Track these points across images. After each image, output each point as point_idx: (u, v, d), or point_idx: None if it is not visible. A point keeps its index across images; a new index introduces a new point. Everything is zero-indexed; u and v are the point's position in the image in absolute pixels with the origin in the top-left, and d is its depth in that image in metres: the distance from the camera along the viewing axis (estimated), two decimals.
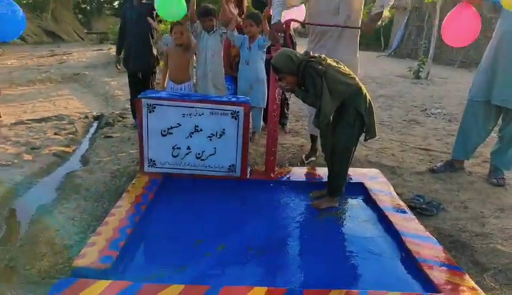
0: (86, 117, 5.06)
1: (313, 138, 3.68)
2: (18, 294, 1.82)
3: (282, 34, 2.88)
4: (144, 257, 2.18)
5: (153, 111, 2.85)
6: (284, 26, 2.81)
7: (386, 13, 3.03)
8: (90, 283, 1.71)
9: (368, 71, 9.47)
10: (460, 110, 5.83)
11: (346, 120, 2.48)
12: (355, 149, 2.61)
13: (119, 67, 4.45)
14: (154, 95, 2.90)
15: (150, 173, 2.95)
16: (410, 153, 3.96)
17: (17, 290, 1.85)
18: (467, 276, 1.92)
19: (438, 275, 1.90)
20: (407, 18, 14.07)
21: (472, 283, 1.86)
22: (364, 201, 2.86)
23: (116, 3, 21.10)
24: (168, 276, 1.90)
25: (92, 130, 4.70)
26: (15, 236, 2.33)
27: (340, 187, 2.66)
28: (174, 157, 2.95)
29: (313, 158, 3.64)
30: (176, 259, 2.07)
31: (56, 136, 4.14)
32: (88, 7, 21.51)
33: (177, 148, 2.93)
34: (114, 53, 4.65)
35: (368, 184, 2.98)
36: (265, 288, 1.74)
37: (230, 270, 2.00)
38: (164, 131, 2.89)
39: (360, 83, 2.51)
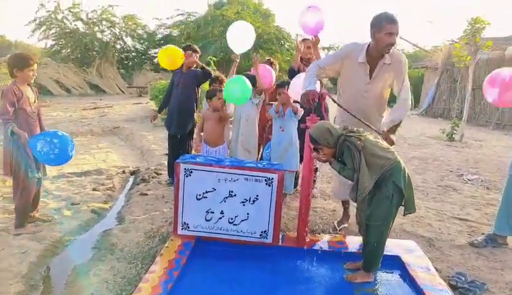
0: (123, 172, 5.26)
1: (345, 203, 3.64)
2: None
3: (316, 101, 2.96)
4: None
5: (190, 175, 2.94)
6: (320, 96, 2.90)
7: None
8: None
9: (399, 131, 9.40)
10: (498, 177, 5.64)
11: (384, 193, 2.45)
12: (392, 223, 2.55)
13: (153, 121, 4.76)
14: (191, 160, 3.01)
15: (183, 236, 2.98)
16: (447, 223, 3.81)
17: None
18: None
19: None
20: (438, 78, 14.16)
21: None
22: (400, 276, 2.74)
23: (155, 60, 22.48)
24: None
25: (128, 185, 4.86)
26: None
27: (376, 261, 2.58)
28: (207, 220, 2.99)
29: (345, 225, 3.57)
30: None
31: (95, 192, 4.30)
32: (130, 63, 23.01)
33: (211, 212, 2.97)
34: (154, 108, 4.99)
35: (405, 258, 2.87)
36: None
37: None
38: (199, 195, 2.96)
39: (398, 157, 2.51)
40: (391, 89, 3.20)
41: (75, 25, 20.90)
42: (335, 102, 3.12)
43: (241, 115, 3.85)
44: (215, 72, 4.80)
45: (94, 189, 4.38)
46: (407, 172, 2.52)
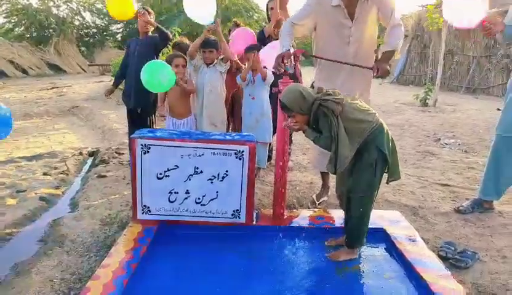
0: (80, 153, 4.78)
1: (324, 174, 3.36)
2: None
3: (290, 64, 2.59)
4: None
5: (148, 152, 2.55)
6: (294, 56, 2.55)
7: (397, 55, 2.77)
8: None
9: (372, 99, 9.23)
10: (474, 140, 5.54)
11: (366, 160, 2.17)
12: (377, 193, 2.28)
13: (108, 96, 4.18)
14: (149, 134, 2.62)
15: (144, 221, 2.62)
16: (430, 190, 3.62)
17: None
18: None
19: None
20: (408, 45, 14.04)
21: None
22: (387, 250, 2.51)
23: (118, 36, 21.33)
24: None
25: (86, 168, 4.40)
26: None
27: (361, 237, 2.32)
28: (171, 202, 2.63)
29: (325, 198, 3.31)
30: None
31: (46, 177, 3.84)
32: (91, 40, 21.73)
33: (174, 192, 2.62)
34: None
35: (390, 230, 2.64)
36: None
37: None
38: (160, 174, 2.58)
39: (380, 118, 2.22)
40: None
41: (27, 0, 19.38)
42: (313, 57, 2.77)
43: (203, 86, 3.44)
44: (181, 38, 4.32)
45: (45, 174, 3.91)
46: (391, 135, 2.24)
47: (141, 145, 2.53)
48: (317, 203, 3.24)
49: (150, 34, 3.97)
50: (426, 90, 8.57)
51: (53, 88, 11.73)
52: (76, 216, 2.95)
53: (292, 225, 2.72)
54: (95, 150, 4.93)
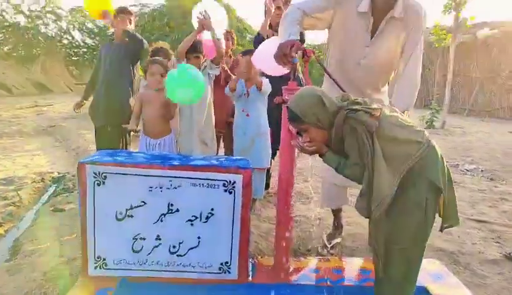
0: (42, 179, 4.04)
1: (336, 210, 2.69)
2: None
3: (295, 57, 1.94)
4: None
5: (103, 183, 1.86)
6: (303, 54, 1.89)
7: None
8: None
9: None
10: (496, 166, 4.93)
11: (413, 198, 1.50)
12: (426, 243, 1.60)
13: (77, 109, 3.50)
14: (106, 158, 1.93)
15: (97, 278, 1.90)
16: (465, 228, 2.95)
17: None
18: None
19: None
20: None
21: None
22: None
23: None
24: None
25: (45, 198, 3.66)
26: None
27: None
28: (135, 252, 1.92)
29: (338, 240, 2.62)
30: None
31: None
32: (80, 59, 21.19)
33: (140, 238, 1.91)
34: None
35: (435, 290, 1.94)
36: None
37: None
38: (121, 213, 1.89)
39: (430, 139, 1.57)
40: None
41: (14, 18, 18.87)
42: (321, 65, 2.14)
43: None
44: (158, 44, 3.66)
45: None
46: (445, 162, 1.59)
47: (94, 173, 1.84)
48: (329, 246, 2.54)
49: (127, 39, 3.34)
50: (432, 111, 8.04)
51: (33, 106, 11.02)
52: (11, 267, 2.21)
53: (301, 282, 2.01)
54: (61, 175, 4.20)
